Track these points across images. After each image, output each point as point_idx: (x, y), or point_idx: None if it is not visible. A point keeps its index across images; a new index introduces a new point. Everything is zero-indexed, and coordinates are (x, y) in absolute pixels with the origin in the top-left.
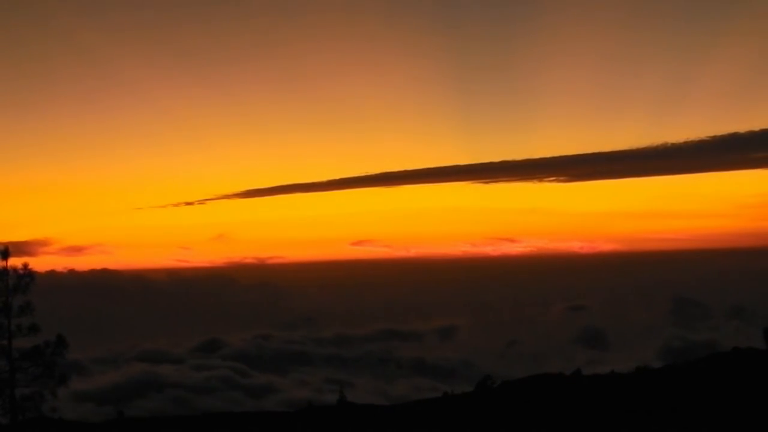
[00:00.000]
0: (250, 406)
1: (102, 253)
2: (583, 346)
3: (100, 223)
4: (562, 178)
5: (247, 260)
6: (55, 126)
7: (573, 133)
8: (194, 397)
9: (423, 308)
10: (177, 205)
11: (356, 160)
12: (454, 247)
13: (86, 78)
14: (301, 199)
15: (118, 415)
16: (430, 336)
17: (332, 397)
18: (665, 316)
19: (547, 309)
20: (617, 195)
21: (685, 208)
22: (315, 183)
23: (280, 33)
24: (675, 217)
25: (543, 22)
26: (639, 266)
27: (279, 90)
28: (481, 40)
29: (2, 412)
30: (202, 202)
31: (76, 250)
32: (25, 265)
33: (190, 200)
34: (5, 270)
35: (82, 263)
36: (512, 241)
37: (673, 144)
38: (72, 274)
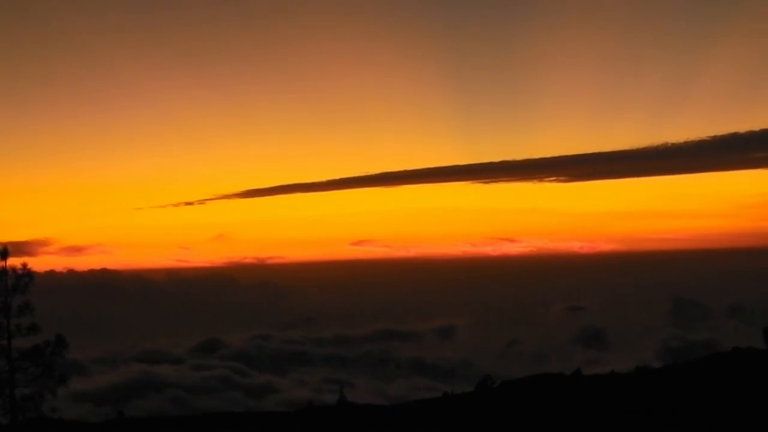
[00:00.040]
0: (249, 406)
1: (102, 253)
2: (583, 346)
3: (99, 223)
4: (562, 178)
5: (247, 260)
6: (55, 126)
7: (573, 133)
8: (194, 397)
9: (422, 308)
10: (177, 205)
11: (356, 160)
12: (454, 247)
13: (86, 78)
14: (301, 199)
15: (118, 415)
16: (430, 336)
17: (332, 397)
18: (665, 316)
19: (547, 309)
20: (617, 195)
21: (685, 208)
22: (315, 183)
23: (280, 33)
24: (675, 217)
25: (543, 22)
26: (639, 266)
27: (279, 90)
28: (481, 41)
29: (2, 412)
30: (202, 202)
31: (76, 250)
32: (25, 265)
33: (190, 200)
34: (5, 270)
35: (82, 263)
36: (512, 241)
37: (673, 144)
38: (71, 274)
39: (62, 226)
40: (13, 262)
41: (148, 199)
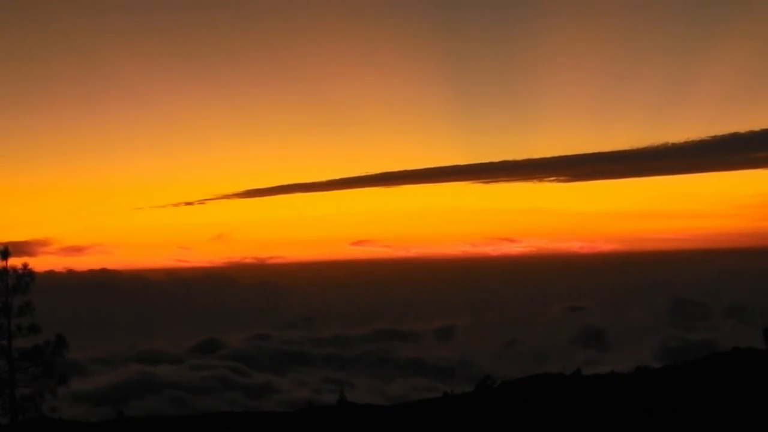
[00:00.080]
0: (249, 406)
1: (101, 253)
2: (583, 346)
3: (99, 223)
4: (562, 178)
5: (247, 260)
6: (55, 126)
7: (573, 133)
8: (193, 397)
9: (422, 308)
10: (177, 205)
11: (356, 160)
12: (454, 247)
13: (86, 79)
14: (301, 199)
15: (118, 415)
16: (430, 336)
17: (331, 397)
18: (664, 316)
19: (547, 309)
20: (617, 195)
21: (685, 208)
22: (315, 183)
23: (280, 34)
24: (675, 217)
25: (543, 23)
26: (639, 266)
27: (279, 90)
28: (481, 41)
29: (2, 412)
30: (202, 202)
31: (76, 250)
32: (25, 265)
33: (190, 200)
34: (5, 270)
35: (82, 263)
36: (512, 241)
37: (673, 144)
38: (71, 274)
39: (62, 226)
40: (14, 262)
41: (148, 199)
